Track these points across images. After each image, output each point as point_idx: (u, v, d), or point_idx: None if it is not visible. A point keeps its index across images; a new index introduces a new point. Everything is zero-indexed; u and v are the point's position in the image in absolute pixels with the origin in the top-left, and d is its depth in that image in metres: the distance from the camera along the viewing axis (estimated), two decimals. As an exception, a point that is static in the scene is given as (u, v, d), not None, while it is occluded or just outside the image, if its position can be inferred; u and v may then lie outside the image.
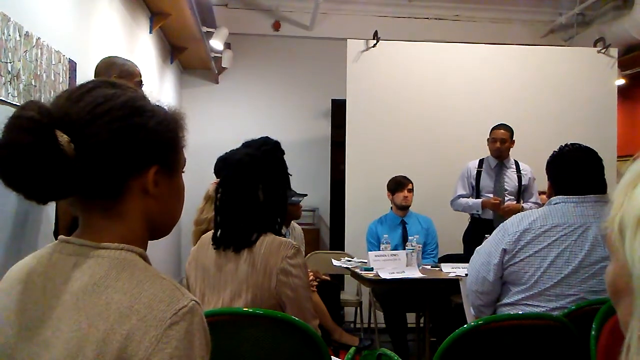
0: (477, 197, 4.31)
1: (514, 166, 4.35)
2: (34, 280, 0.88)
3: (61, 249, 0.90)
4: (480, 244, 2.70)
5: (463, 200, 4.34)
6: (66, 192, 0.85)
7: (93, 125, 0.85)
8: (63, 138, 0.82)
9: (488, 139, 4.34)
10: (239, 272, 1.89)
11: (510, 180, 4.31)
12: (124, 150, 0.87)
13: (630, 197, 0.65)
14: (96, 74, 2.68)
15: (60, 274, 0.87)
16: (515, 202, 4.24)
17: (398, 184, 4.40)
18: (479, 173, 4.35)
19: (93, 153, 0.84)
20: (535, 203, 4.26)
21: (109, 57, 2.80)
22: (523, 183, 4.31)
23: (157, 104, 0.94)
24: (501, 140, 4.25)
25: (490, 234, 2.41)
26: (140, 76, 2.71)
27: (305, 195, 4.36)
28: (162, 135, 0.91)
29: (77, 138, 0.83)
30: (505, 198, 4.24)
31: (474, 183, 4.36)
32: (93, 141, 0.84)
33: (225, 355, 1.68)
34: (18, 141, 0.79)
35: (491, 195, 4.25)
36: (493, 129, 4.32)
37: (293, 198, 4.02)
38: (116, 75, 2.55)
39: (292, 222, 4.22)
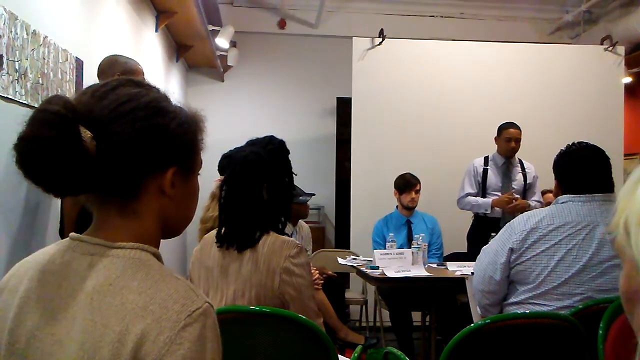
0: (484, 195, 4.27)
1: (518, 165, 4.32)
2: (48, 278, 0.88)
3: (75, 247, 0.90)
4: (484, 242, 2.69)
5: (472, 198, 4.27)
6: (84, 188, 0.86)
7: (116, 123, 0.85)
8: (86, 134, 0.82)
9: (498, 138, 4.29)
10: (242, 272, 1.89)
11: (517, 178, 4.29)
12: (145, 150, 0.87)
13: (632, 198, 0.65)
14: (99, 72, 2.69)
15: (75, 274, 0.87)
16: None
17: (406, 184, 4.35)
18: (485, 171, 4.31)
19: (114, 151, 0.85)
20: (538, 201, 4.25)
21: (112, 55, 2.81)
22: (528, 181, 4.28)
23: (179, 105, 0.95)
24: (516, 140, 4.21)
25: (495, 232, 2.40)
26: (143, 74, 2.71)
27: (313, 194, 4.35)
28: (183, 137, 0.92)
29: (99, 135, 0.84)
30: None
31: (480, 181, 4.32)
32: (115, 139, 0.85)
33: (231, 353, 1.68)
34: (41, 134, 0.80)
35: (499, 194, 4.20)
36: (505, 128, 4.24)
37: (300, 197, 4.03)
38: (119, 73, 2.56)
39: (300, 220, 4.22)
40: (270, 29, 7.15)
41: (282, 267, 1.86)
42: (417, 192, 4.36)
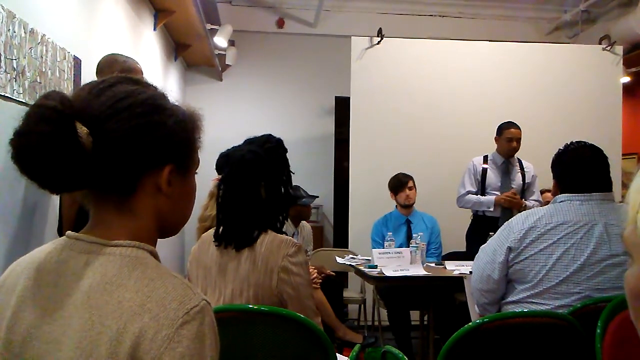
0: (483, 194, 4.27)
1: (517, 164, 4.33)
2: (44, 277, 0.88)
3: (71, 245, 0.90)
4: (483, 241, 2.69)
5: (473, 196, 4.25)
6: (80, 184, 0.86)
7: (113, 120, 0.85)
8: (82, 130, 0.82)
9: (498, 138, 4.28)
10: (240, 271, 1.89)
11: (516, 178, 4.29)
12: (142, 147, 0.87)
13: None
14: (98, 71, 2.69)
15: (72, 272, 0.87)
16: None
17: (399, 183, 4.36)
18: (484, 170, 4.31)
19: (110, 147, 0.84)
20: (537, 200, 4.25)
21: (111, 54, 2.80)
22: (527, 181, 4.29)
23: (176, 103, 0.95)
24: (517, 140, 4.21)
25: (493, 231, 2.40)
26: (142, 73, 2.71)
27: (317, 197, 4.34)
28: (180, 135, 0.92)
29: (96, 131, 0.83)
30: None
31: (479, 179, 4.32)
32: (111, 136, 0.84)
33: (229, 351, 1.68)
34: (37, 129, 0.80)
35: (498, 193, 4.19)
36: (505, 127, 4.23)
37: (304, 199, 4.03)
38: (118, 72, 2.54)
39: (302, 221, 4.23)
40: (269, 28, 7.14)
41: (280, 266, 1.86)
42: (411, 189, 4.36)
